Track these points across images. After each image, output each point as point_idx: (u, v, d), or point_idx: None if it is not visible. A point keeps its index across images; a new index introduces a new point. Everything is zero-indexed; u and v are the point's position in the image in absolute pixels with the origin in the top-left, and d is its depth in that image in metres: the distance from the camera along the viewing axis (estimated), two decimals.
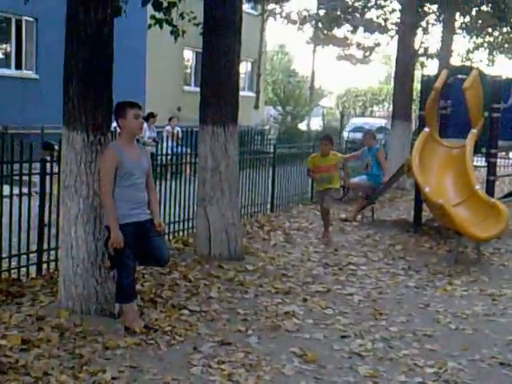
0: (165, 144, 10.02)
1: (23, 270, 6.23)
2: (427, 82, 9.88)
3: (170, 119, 16.06)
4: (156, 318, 5.32)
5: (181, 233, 8.50)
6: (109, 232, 5.04)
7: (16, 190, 6.28)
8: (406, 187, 14.25)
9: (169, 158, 9.07)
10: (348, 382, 4.42)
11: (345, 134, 19.04)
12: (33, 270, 6.34)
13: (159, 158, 8.35)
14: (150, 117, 15.29)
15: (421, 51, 23.39)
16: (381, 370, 4.60)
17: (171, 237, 8.27)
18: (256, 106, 27.24)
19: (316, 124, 31.89)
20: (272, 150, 11.45)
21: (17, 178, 6.30)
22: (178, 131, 14.84)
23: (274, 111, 28.54)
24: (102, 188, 5.09)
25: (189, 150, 9.06)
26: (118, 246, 4.99)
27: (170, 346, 4.88)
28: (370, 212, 10.77)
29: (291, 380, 4.40)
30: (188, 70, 23.43)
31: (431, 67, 26.15)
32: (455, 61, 22.82)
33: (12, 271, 6.12)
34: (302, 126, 29.02)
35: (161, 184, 8.01)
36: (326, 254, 8.25)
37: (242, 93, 26.06)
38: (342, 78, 53.30)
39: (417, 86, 16.53)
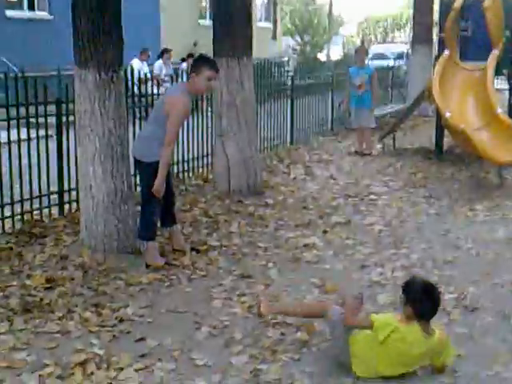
0: (180, 80, 9.89)
1: (45, 211, 6.31)
2: (447, 3, 9.56)
3: (188, 56, 15.83)
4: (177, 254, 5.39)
5: (200, 169, 8.50)
6: (152, 170, 5.02)
7: (33, 134, 6.30)
8: (428, 114, 14.02)
9: None
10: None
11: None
12: (55, 210, 6.42)
13: None
14: (165, 53, 15.11)
15: None
16: None
17: (191, 173, 8.28)
18: (273, 37, 26.79)
19: (336, 53, 31.33)
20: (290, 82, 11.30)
21: (33, 120, 6.31)
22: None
23: (293, 42, 28.04)
24: (171, 136, 5.02)
25: None
26: (160, 194, 5.05)
27: (191, 280, 4.95)
28: (391, 141, 10.66)
29: None
30: (203, 4, 23.01)
31: None
32: None
33: (34, 212, 6.20)
34: (322, 56, 28.55)
35: None
36: (347, 185, 8.21)
37: (258, 24, 25.62)
38: (361, 3, 51.88)
39: (437, 8, 16.06)
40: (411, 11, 16.75)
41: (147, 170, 5.12)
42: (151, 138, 5.12)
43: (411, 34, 16.30)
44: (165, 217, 5.46)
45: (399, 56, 22.54)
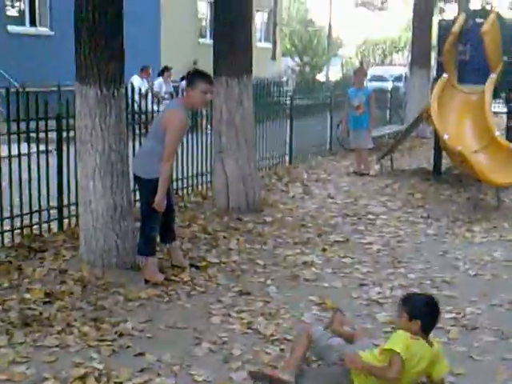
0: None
1: (45, 225, 6.31)
2: (445, 27, 9.69)
3: (187, 74, 15.93)
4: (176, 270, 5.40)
5: (199, 186, 8.54)
6: (152, 187, 5.05)
7: (33, 148, 6.33)
8: (426, 135, 14.12)
9: None
10: None
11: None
12: (54, 225, 6.43)
13: None
14: (165, 71, 15.19)
15: None
16: None
17: (190, 191, 8.31)
18: (273, 57, 26.96)
19: (335, 74, 31.53)
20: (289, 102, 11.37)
21: (34, 135, 6.34)
22: None
23: (292, 62, 28.23)
24: (169, 153, 5.04)
25: None
26: (161, 209, 5.08)
27: (190, 296, 4.95)
28: (389, 161, 10.71)
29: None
30: (203, 23, 23.18)
31: (450, 13, 25.60)
32: (474, 5, 22.29)
33: (34, 227, 6.21)
34: (321, 77, 28.72)
35: None
36: (345, 204, 8.25)
37: (258, 44, 25.82)
38: (360, 26, 52.32)
39: (436, 32, 16.22)
40: (410, 34, 16.91)
41: (147, 186, 5.15)
42: (151, 154, 5.15)
43: (409, 57, 16.45)
44: (164, 233, 5.47)
45: (398, 78, 22.72)
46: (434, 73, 12.98)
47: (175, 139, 5.10)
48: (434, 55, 16.55)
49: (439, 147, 9.64)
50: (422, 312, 3.52)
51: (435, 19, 15.98)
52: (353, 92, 10.43)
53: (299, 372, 3.66)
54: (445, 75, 9.10)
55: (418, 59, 14.96)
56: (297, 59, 27.68)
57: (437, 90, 9.04)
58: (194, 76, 5.22)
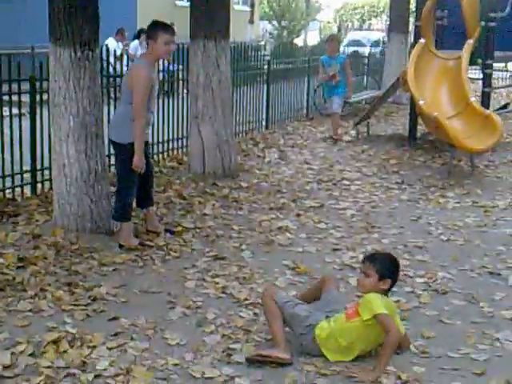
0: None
1: (18, 190, 6.26)
2: None
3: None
4: (150, 235, 5.40)
5: (175, 151, 8.49)
6: (127, 151, 5.00)
7: (7, 112, 6.24)
8: (402, 101, 14.12)
9: (161, 75, 8.95)
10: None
11: (342, 49, 18.76)
12: (27, 189, 6.37)
13: None
14: (141, 33, 14.94)
15: None
16: None
17: (166, 155, 8.26)
18: (251, 21, 26.68)
19: (313, 39, 31.34)
20: (266, 66, 11.29)
21: (7, 98, 6.24)
22: None
23: (270, 26, 27.99)
24: (138, 108, 4.96)
25: (181, 67, 8.93)
26: (141, 169, 5.04)
27: (165, 261, 4.96)
28: (365, 127, 10.72)
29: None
30: None
31: None
32: None
33: (7, 191, 6.15)
34: (299, 41, 28.53)
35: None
36: (321, 170, 8.27)
37: (235, 7, 25.51)
38: None
39: None
40: None
41: (122, 150, 5.10)
42: (123, 117, 5.09)
43: (388, 22, 16.37)
44: (142, 198, 5.45)
45: (375, 43, 22.64)
46: (411, 38, 12.96)
47: (141, 95, 4.97)
48: (412, 20, 16.51)
49: (415, 113, 9.66)
50: (391, 271, 3.60)
51: None
52: (326, 60, 10.23)
53: None
54: (422, 40, 9.07)
55: (396, 24, 14.89)
56: (275, 23, 27.43)
57: (414, 55, 9.02)
58: (155, 27, 5.12)
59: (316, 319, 3.61)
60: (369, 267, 3.59)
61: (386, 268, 3.59)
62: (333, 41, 10.57)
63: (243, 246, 5.35)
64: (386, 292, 3.61)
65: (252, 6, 26.93)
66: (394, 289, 4.47)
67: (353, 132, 10.74)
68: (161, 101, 8.11)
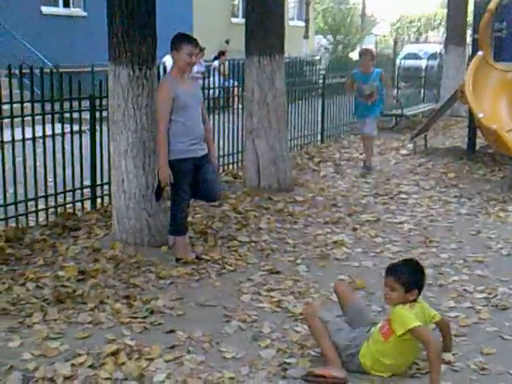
0: (211, 78, 10.00)
1: (78, 204, 6.41)
2: (481, 4, 9.48)
3: (220, 54, 15.94)
4: (207, 249, 5.44)
5: (230, 166, 8.56)
6: (171, 167, 5.04)
7: (68, 129, 6.42)
8: (460, 114, 13.90)
9: (216, 91, 9.08)
10: None
11: (398, 62, 18.61)
12: (87, 204, 6.53)
13: (207, 91, 8.36)
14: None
15: None
16: (429, 295, 4.60)
17: (221, 170, 8.34)
18: (306, 36, 26.72)
19: None
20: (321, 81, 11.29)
21: (68, 115, 6.43)
22: (223, 65, 14.77)
23: (325, 41, 27.97)
24: (158, 124, 5.06)
25: (236, 83, 9.03)
26: (164, 183, 5.07)
27: (221, 275, 4.99)
28: (422, 140, 10.59)
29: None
30: (235, 1, 23.07)
31: None
32: None
33: (67, 206, 6.31)
34: (354, 55, 28.41)
35: (209, 118, 8.02)
36: (377, 183, 8.20)
37: (290, 22, 25.63)
38: (394, 3, 51.44)
39: (472, 9, 15.92)
40: (445, 11, 16.60)
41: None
42: None
43: (445, 35, 16.17)
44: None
45: (432, 56, 22.35)
46: (469, 50, 12.77)
47: (161, 108, 5.03)
48: (469, 32, 16.27)
49: (474, 126, 9.50)
50: (417, 281, 3.50)
51: None
52: (360, 76, 8.74)
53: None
54: (480, 53, 8.93)
55: (454, 37, 14.71)
56: (330, 37, 27.39)
57: (472, 67, 8.88)
58: (177, 39, 5.13)
59: (356, 346, 3.54)
60: (393, 282, 3.49)
61: (411, 280, 3.48)
62: (366, 55, 8.93)
63: (298, 260, 5.35)
64: (414, 300, 3.52)
65: (307, 21, 26.98)
66: (453, 304, 4.45)
67: (410, 145, 10.62)
68: (216, 116, 8.21)
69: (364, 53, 9.16)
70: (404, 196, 7.55)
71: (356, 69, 9.20)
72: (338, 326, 3.63)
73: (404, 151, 10.36)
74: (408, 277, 3.49)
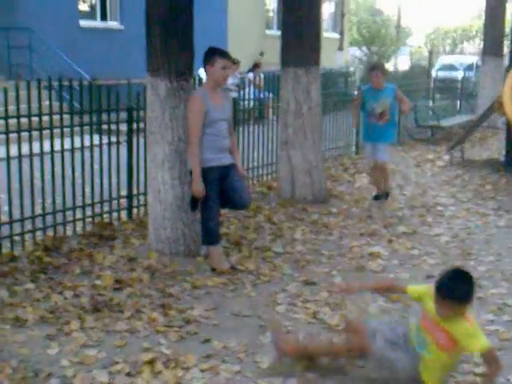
0: (246, 90, 10.05)
1: (115, 214, 6.48)
2: None
3: (254, 66, 16.02)
4: (241, 259, 5.45)
5: (265, 177, 8.58)
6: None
7: (105, 140, 6.51)
8: (497, 126, 13.74)
9: (251, 103, 9.12)
10: None
11: (433, 73, 18.50)
12: (124, 214, 6.60)
13: (242, 103, 8.41)
14: (234, 63, 15.28)
15: None
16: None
17: (255, 181, 8.36)
18: (340, 48, 26.70)
19: (403, 64, 30.99)
20: (356, 92, 11.27)
21: (106, 127, 6.52)
22: (259, 77, 14.84)
23: (360, 52, 27.91)
24: (190, 137, 5.11)
25: (271, 95, 9.07)
26: (198, 196, 5.10)
27: (256, 285, 4.99)
28: (459, 152, 10.48)
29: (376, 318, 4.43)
30: (270, 14, 23.18)
31: None
32: None
33: (104, 216, 6.38)
34: (389, 67, 28.30)
35: (244, 129, 8.07)
36: (413, 195, 8.13)
37: (325, 34, 25.67)
38: (429, 15, 51.18)
39: (509, 19, 15.75)
40: (482, 22, 16.47)
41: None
42: None
43: (481, 46, 16.03)
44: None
45: (469, 67, 22.17)
46: (506, 61, 12.62)
47: (190, 120, 5.10)
48: (506, 43, 16.10)
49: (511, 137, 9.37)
50: (468, 293, 3.25)
51: (508, 7, 15.53)
52: (370, 93, 7.45)
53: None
54: None
55: (491, 48, 14.56)
56: (364, 49, 27.34)
57: (510, 78, 8.77)
58: (210, 52, 5.16)
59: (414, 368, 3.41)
60: (451, 304, 3.22)
61: (463, 295, 3.23)
62: (376, 70, 7.47)
63: (334, 272, 5.32)
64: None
65: (341, 33, 26.96)
66: (492, 318, 4.38)
67: (446, 157, 10.52)
68: (251, 128, 8.24)
69: (373, 67, 7.73)
70: (440, 208, 7.47)
71: (365, 84, 8.06)
72: (392, 344, 3.44)
73: (440, 163, 10.26)
74: (459, 294, 3.22)
